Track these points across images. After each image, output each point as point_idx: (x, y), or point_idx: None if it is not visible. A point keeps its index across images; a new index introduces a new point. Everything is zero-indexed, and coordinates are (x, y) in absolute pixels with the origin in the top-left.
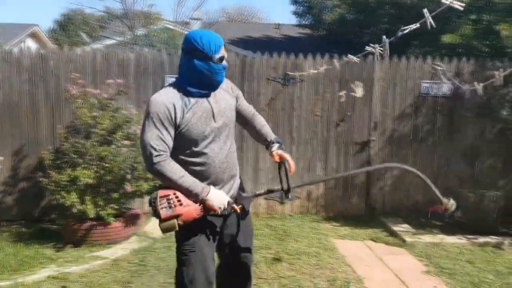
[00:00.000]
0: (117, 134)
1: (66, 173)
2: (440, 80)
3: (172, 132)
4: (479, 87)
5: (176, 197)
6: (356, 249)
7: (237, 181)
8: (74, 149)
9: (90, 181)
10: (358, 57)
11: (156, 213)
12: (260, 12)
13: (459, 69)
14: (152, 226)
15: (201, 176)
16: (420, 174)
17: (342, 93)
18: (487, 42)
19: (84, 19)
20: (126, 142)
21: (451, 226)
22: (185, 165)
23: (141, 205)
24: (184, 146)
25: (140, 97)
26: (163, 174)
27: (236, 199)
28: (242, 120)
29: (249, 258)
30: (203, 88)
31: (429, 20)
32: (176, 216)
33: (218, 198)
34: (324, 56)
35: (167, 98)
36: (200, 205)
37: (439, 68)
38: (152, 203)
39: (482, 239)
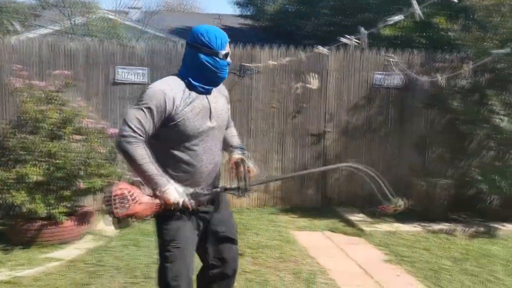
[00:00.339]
0: (67, 129)
1: (13, 171)
2: (393, 71)
3: (158, 123)
4: (440, 78)
5: (131, 195)
6: (317, 240)
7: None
8: (21, 145)
9: (40, 178)
10: (329, 48)
11: (110, 212)
12: (199, 2)
13: (410, 60)
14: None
15: (185, 174)
16: (372, 173)
17: (298, 84)
18: (425, 34)
19: (15, 7)
20: (77, 137)
21: (404, 214)
22: (172, 159)
23: (93, 203)
24: (176, 139)
25: (90, 89)
26: (130, 154)
27: (192, 195)
28: None
29: (237, 254)
30: (206, 83)
31: (418, 11)
32: (131, 215)
33: (177, 193)
34: (280, 48)
35: (169, 88)
36: (156, 200)
37: (391, 59)
38: (107, 201)
39: (435, 227)
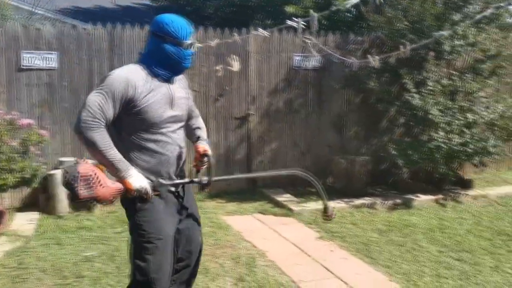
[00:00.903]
0: None
1: None
2: (310, 53)
3: (119, 109)
4: (374, 60)
5: (97, 177)
6: (249, 224)
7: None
8: None
9: None
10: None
11: (74, 193)
12: None
13: (326, 42)
14: (19, 223)
15: (149, 163)
16: (315, 183)
17: (219, 67)
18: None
19: None
20: None
21: (327, 191)
22: (136, 148)
23: (4, 201)
24: (139, 128)
25: None
26: (90, 139)
27: (155, 185)
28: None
29: (201, 244)
30: (170, 72)
31: None
32: (94, 198)
33: (139, 179)
34: (208, 29)
35: (130, 76)
36: (119, 185)
37: (309, 41)
38: (71, 182)
39: (357, 201)
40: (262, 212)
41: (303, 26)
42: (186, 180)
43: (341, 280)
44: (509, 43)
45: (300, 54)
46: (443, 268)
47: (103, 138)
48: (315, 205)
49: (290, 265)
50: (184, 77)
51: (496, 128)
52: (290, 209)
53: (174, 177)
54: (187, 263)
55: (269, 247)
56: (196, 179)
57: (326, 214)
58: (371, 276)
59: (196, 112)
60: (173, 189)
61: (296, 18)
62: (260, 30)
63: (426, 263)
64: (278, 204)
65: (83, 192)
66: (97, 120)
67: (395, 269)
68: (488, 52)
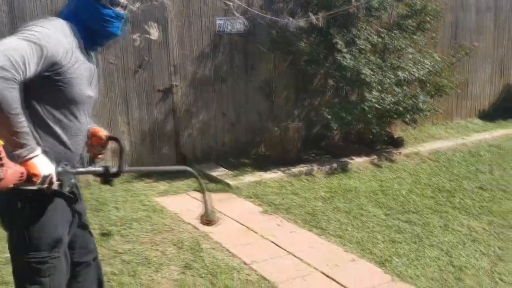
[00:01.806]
0: None
1: None
2: (234, 16)
3: (42, 72)
4: (315, 19)
5: (1, 158)
6: (185, 204)
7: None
8: None
9: None
10: None
11: None
12: None
13: (250, 3)
14: None
15: (58, 148)
16: (200, 182)
17: (136, 36)
18: None
19: None
20: None
21: (260, 162)
22: (46, 128)
23: None
24: (54, 102)
25: None
26: (1, 96)
27: (61, 174)
28: None
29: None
30: (96, 39)
31: None
32: None
33: (47, 163)
34: None
35: (66, 38)
36: (21, 168)
37: (231, 3)
38: None
39: (294, 170)
40: (197, 190)
41: None
42: (96, 168)
43: (295, 256)
44: None
45: (223, 18)
46: (395, 232)
47: (16, 99)
48: (252, 178)
49: (238, 245)
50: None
51: (427, 85)
52: (227, 184)
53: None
54: (87, 264)
55: (211, 227)
56: (98, 168)
57: (207, 219)
58: (324, 247)
59: None
60: (73, 181)
61: None
62: None
63: (376, 229)
64: (213, 180)
65: None
66: (16, 74)
67: (348, 238)
68: (413, 7)
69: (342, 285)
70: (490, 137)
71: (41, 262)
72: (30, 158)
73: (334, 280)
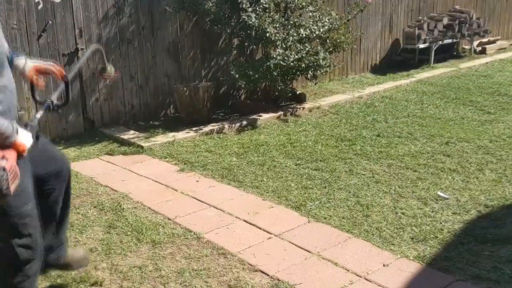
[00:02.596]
0: None
1: None
2: None
3: None
4: None
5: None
6: (99, 168)
7: None
8: None
9: None
10: None
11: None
12: None
13: None
14: None
15: (4, 101)
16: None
17: None
18: None
19: None
20: None
21: (171, 123)
22: None
23: None
24: None
25: None
26: None
27: (30, 130)
28: None
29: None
30: None
31: None
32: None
33: (25, 135)
34: None
35: None
36: (12, 153)
37: None
38: None
39: (205, 129)
40: (110, 153)
41: None
42: (43, 110)
43: (217, 208)
44: None
45: None
46: (306, 179)
47: None
48: (165, 139)
49: (160, 203)
50: None
51: (326, 41)
52: (140, 146)
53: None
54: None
55: (130, 188)
56: (46, 102)
57: (103, 74)
58: (244, 198)
59: None
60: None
61: None
62: None
63: (289, 178)
64: (125, 143)
65: (13, 186)
66: None
67: (264, 188)
68: None
69: (264, 230)
70: (382, 89)
71: (19, 217)
72: (16, 139)
73: (256, 226)
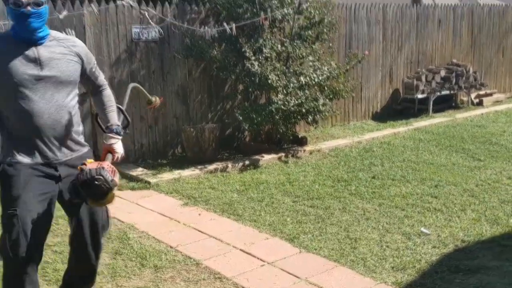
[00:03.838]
0: None
1: None
2: (149, 25)
3: None
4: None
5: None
6: None
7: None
8: None
9: None
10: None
11: (107, 183)
12: None
13: (164, 13)
14: None
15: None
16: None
17: None
18: None
19: None
20: None
21: (178, 162)
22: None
23: None
24: None
25: None
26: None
27: None
28: (89, 88)
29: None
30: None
31: None
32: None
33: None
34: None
35: None
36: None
37: (146, 12)
38: (101, 178)
39: (210, 167)
40: (118, 189)
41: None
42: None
43: (216, 238)
44: (329, 10)
45: (139, 26)
46: (301, 215)
47: None
48: (171, 175)
49: (163, 233)
50: (73, 38)
51: (325, 89)
52: (147, 182)
53: None
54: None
55: (136, 219)
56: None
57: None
58: (242, 231)
59: (102, 81)
60: None
61: None
62: (93, 7)
63: (285, 213)
64: (133, 179)
65: (115, 178)
66: None
67: (261, 222)
68: (312, 20)
69: (258, 258)
70: (381, 135)
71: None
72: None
73: (251, 255)
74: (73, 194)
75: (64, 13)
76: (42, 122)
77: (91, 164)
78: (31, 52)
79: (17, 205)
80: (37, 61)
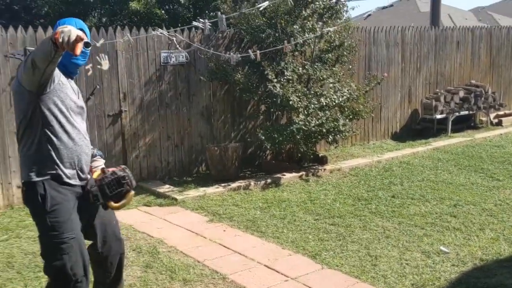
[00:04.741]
0: None
1: None
2: (177, 49)
3: None
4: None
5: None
6: (138, 217)
7: None
8: None
9: None
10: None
11: (131, 184)
12: None
13: (191, 38)
14: None
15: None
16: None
17: (89, 66)
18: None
19: None
20: None
21: (202, 179)
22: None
23: None
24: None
25: None
26: None
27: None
28: None
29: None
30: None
31: None
32: None
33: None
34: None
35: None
36: None
37: (174, 39)
38: (127, 179)
39: (233, 185)
40: (147, 205)
41: (207, 26)
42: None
43: (241, 254)
44: (349, 34)
45: (167, 51)
46: (323, 233)
47: None
48: (196, 193)
49: (191, 248)
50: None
51: (345, 109)
52: (174, 199)
53: None
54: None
55: (165, 235)
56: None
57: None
58: (265, 247)
59: None
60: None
61: (139, 13)
62: (129, 36)
63: (307, 231)
64: (161, 195)
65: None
66: None
67: (284, 239)
68: (332, 43)
69: (281, 273)
70: (401, 155)
71: (60, 242)
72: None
73: (274, 270)
74: (97, 196)
75: (101, 41)
76: (83, 145)
77: (106, 169)
78: (72, 83)
79: (73, 228)
80: (75, 91)
